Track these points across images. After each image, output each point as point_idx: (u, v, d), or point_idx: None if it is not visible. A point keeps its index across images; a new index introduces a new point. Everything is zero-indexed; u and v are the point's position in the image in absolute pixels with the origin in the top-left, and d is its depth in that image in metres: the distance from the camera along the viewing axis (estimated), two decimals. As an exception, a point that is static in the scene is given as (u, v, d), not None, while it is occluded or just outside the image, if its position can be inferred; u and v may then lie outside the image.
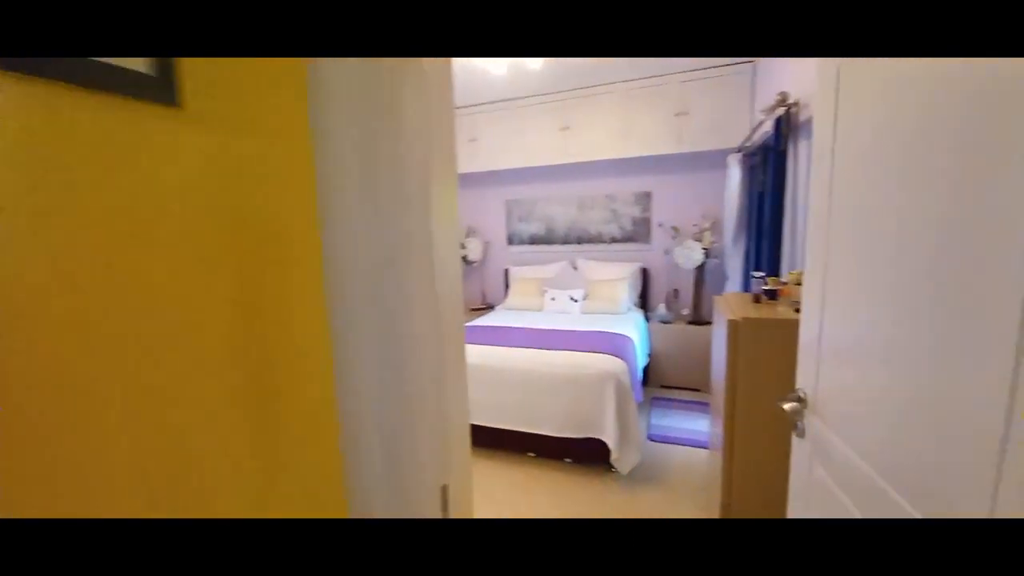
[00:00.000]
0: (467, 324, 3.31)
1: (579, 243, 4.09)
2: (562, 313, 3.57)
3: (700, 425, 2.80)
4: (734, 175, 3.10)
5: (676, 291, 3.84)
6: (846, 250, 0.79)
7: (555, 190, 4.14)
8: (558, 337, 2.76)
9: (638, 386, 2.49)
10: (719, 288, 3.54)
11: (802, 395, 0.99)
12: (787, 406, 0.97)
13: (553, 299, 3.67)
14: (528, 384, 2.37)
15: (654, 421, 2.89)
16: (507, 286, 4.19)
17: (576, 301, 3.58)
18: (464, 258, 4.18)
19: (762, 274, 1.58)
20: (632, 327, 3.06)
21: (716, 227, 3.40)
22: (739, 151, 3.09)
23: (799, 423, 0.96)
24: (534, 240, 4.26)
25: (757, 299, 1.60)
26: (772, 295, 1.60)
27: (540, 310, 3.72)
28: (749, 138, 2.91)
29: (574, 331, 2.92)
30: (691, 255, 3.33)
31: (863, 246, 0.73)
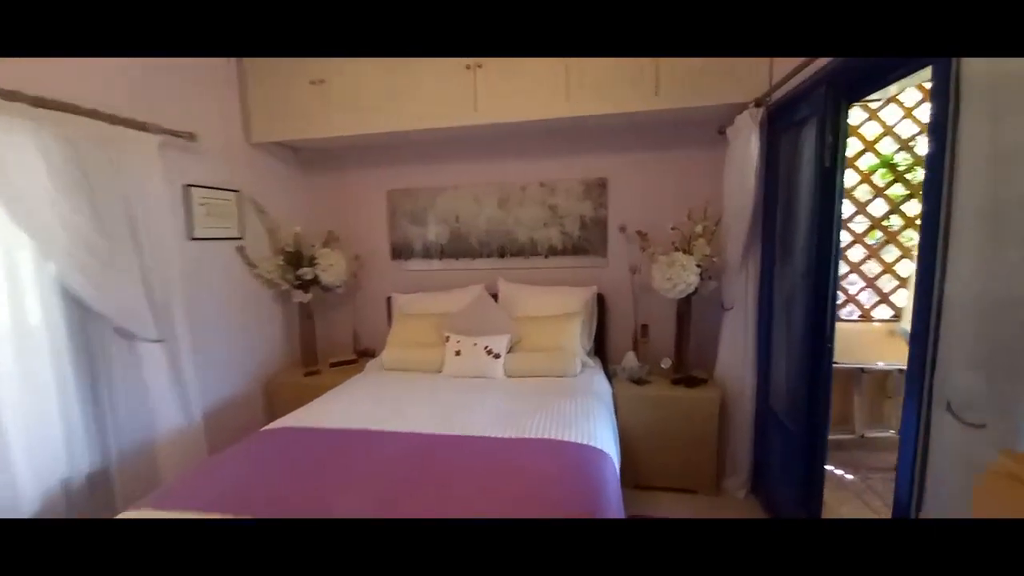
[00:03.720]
0: (269, 426, 1.66)
1: (502, 256, 2.67)
2: (475, 379, 2.10)
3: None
4: (749, 145, 1.88)
5: (645, 327, 2.56)
6: None
7: (463, 174, 2.68)
8: (462, 465, 1.27)
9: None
10: (712, 324, 2.30)
11: None
12: None
13: (459, 353, 2.18)
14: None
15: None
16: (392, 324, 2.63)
17: (498, 356, 2.13)
18: (314, 280, 2.54)
19: None
20: (601, 412, 1.67)
21: (709, 232, 2.16)
22: (758, 106, 1.89)
23: None
24: (433, 252, 2.76)
25: None
26: None
27: (438, 371, 2.21)
28: (779, 84, 1.69)
29: (491, 440, 1.45)
30: (681, 276, 2.05)
31: None
